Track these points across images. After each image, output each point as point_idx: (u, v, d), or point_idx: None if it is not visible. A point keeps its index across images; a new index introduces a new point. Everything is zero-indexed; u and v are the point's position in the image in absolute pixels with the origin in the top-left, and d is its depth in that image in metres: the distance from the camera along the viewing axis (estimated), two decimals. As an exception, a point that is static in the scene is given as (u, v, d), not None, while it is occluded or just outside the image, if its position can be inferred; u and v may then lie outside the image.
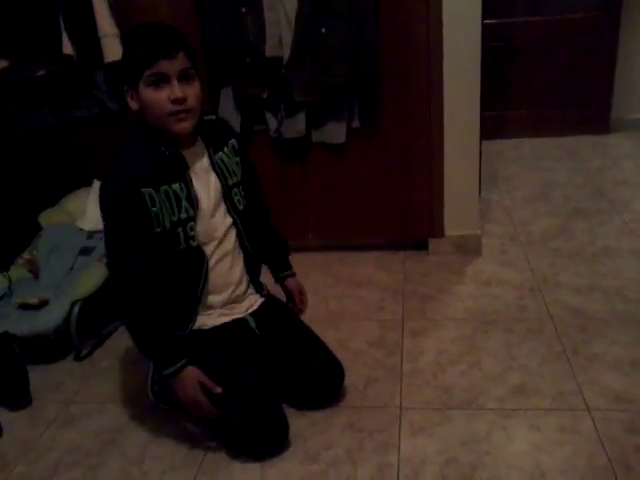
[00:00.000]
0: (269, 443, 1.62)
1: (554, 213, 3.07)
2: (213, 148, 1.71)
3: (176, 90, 1.51)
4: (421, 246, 2.73)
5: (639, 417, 1.66)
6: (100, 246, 2.31)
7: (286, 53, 2.36)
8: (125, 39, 1.64)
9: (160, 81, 1.51)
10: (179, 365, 1.55)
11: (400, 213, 2.69)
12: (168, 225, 1.59)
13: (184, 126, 1.57)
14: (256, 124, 2.61)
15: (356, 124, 2.54)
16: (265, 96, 2.49)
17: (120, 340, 2.24)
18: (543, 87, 4.27)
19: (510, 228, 2.93)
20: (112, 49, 2.43)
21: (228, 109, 2.55)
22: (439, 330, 2.14)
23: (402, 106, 2.54)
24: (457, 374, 1.90)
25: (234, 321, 1.77)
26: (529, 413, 1.71)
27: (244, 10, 2.34)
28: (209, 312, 1.74)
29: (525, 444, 1.60)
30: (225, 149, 1.75)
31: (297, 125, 2.52)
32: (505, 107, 4.28)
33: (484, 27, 2.42)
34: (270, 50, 2.38)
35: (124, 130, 2.69)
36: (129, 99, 1.58)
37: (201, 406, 1.57)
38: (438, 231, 2.68)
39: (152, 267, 1.59)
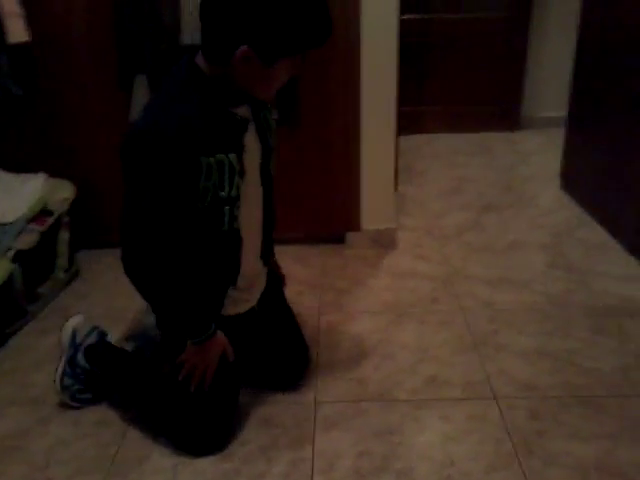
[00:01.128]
0: (211, 447, 1.60)
1: (467, 207, 3.16)
2: (257, 105, 1.50)
3: (301, 67, 1.37)
4: (339, 240, 2.75)
5: (541, 404, 1.74)
6: (4, 239, 2.18)
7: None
8: (294, 4, 1.28)
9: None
10: (211, 330, 1.54)
11: (318, 207, 2.70)
12: (214, 201, 1.41)
13: (273, 96, 1.41)
14: (171, 114, 2.54)
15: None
16: (180, 85, 2.42)
17: (24, 339, 2.13)
18: (458, 84, 4.38)
19: (425, 222, 3.00)
20: (16, 29, 2.30)
21: (142, 98, 2.46)
22: (354, 323, 2.16)
23: (320, 100, 2.54)
24: (371, 367, 1.92)
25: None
26: (440, 403, 1.75)
27: (159, -4, 2.27)
28: (231, 295, 1.64)
29: (436, 434, 1.64)
30: (268, 105, 1.56)
31: (213, 116, 2.47)
32: (421, 103, 4.36)
33: (402, 22, 2.45)
34: (186, 38, 2.32)
35: (29, 116, 2.57)
36: (243, 61, 1.29)
37: (209, 372, 1.57)
38: (355, 225, 2.71)
39: (188, 244, 1.45)
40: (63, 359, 1.75)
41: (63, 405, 1.77)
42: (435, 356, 1.96)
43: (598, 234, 2.80)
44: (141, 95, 2.47)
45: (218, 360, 1.59)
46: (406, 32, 2.70)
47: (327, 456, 1.58)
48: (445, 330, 2.10)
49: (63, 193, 2.46)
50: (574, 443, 1.59)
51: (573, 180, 3.22)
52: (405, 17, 2.51)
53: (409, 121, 4.01)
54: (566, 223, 2.92)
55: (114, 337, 2.00)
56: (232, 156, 1.41)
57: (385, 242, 2.72)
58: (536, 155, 3.96)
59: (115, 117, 2.56)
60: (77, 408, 1.76)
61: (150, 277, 1.44)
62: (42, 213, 2.34)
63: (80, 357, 1.77)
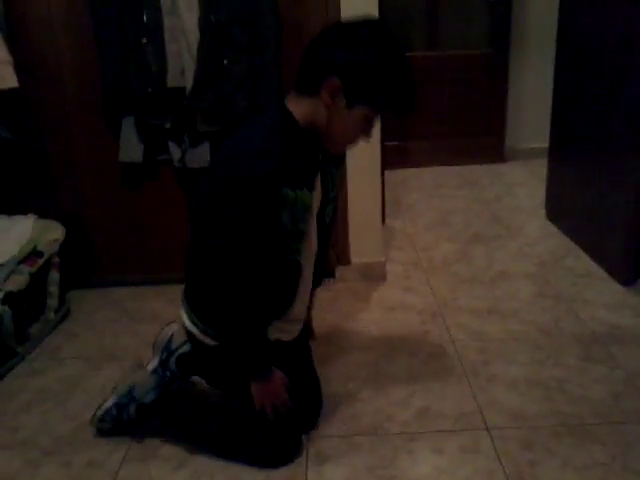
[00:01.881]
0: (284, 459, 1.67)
1: (454, 239, 3.19)
2: (325, 157, 1.58)
3: (373, 132, 1.50)
4: (329, 274, 2.77)
5: (532, 433, 1.74)
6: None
7: (189, 83, 2.35)
8: (395, 60, 1.42)
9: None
10: (270, 369, 1.60)
11: (307, 241, 2.72)
12: (286, 232, 1.49)
13: (344, 150, 1.54)
14: (160, 154, 2.57)
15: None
16: (168, 126, 2.46)
17: (14, 380, 2.12)
18: (441, 118, 4.46)
19: (413, 254, 3.02)
20: (4, 75, 2.34)
21: (130, 138, 2.50)
22: (345, 357, 2.17)
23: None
24: (363, 400, 1.93)
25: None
26: (433, 435, 1.75)
27: (145, 41, 2.31)
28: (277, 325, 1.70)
29: (429, 467, 1.64)
30: (335, 160, 1.65)
31: (202, 155, 2.50)
32: (406, 137, 4.43)
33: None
34: (172, 80, 2.36)
35: (18, 159, 2.59)
36: (330, 91, 1.38)
37: (282, 401, 1.63)
38: (344, 259, 2.73)
39: (261, 271, 1.50)
40: (152, 365, 1.80)
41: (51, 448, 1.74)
42: (426, 388, 1.96)
43: (584, 262, 2.83)
44: (129, 136, 2.51)
45: (284, 388, 1.65)
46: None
47: (320, 491, 1.57)
48: (436, 362, 2.11)
49: (53, 234, 2.47)
50: (567, 472, 1.59)
51: (558, 210, 3.27)
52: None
53: (395, 155, 4.07)
54: (552, 252, 2.95)
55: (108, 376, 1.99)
56: (307, 194, 1.49)
57: (374, 275, 2.74)
58: (521, 186, 4.02)
59: (103, 158, 2.59)
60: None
61: (224, 309, 1.51)
62: (32, 254, 2.34)
63: (172, 361, 1.79)
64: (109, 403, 1.75)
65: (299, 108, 1.46)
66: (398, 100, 1.46)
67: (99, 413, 1.76)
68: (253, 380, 1.62)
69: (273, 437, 1.66)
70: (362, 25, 1.41)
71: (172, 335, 1.81)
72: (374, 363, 2.12)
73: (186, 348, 1.78)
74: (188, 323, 1.68)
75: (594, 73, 2.75)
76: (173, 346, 1.78)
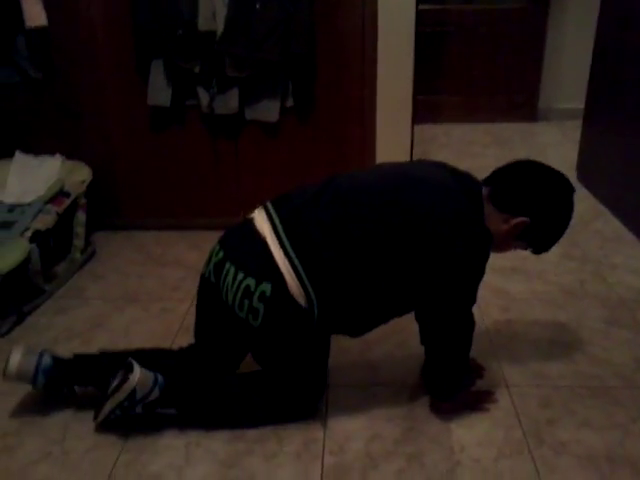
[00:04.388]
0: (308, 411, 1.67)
1: (481, 197, 3.14)
2: None
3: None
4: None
5: (552, 392, 1.74)
6: (22, 220, 2.21)
7: (219, 28, 2.31)
8: (568, 224, 1.63)
9: None
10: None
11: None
12: None
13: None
14: (188, 99, 2.55)
15: (290, 103, 2.52)
16: (197, 70, 2.43)
17: (41, 317, 2.16)
18: (475, 74, 4.36)
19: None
20: (34, 13, 2.32)
21: (159, 82, 2.49)
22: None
23: (336, 88, 2.54)
24: (383, 353, 1.94)
25: None
26: (451, 390, 1.76)
27: (177, -19, 2.27)
28: None
29: (446, 419, 1.65)
30: None
31: (230, 101, 2.48)
32: (438, 92, 4.34)
33: (418, 13, 2.43)
34: (203, 24, 2.32)
35: (46, 99, 2.59)
36: (518, 226, 1.56)
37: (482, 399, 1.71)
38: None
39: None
40: (113, 404, 1.56)
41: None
42: (447, 344, 1.96)
43: (614, 226, 2.78)
44: (158, 80, 2.48)
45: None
46: (423, 22, 2.68)
47: (338, 438, 1.59)
48: (458, 318, 2.10)
49: (80, 175, 2.49)
50: (585, 432, 1.59)
51: (590, 172, 3.19)
52: (422, 7, 2.49)
53: (425, 110, 3.99)
54: (582, 215, 2.90)
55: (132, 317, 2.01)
56: None
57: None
58: (553, 147, 3.94)
59: (132, 101, 2.57)
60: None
61: (460, 340, 1.61)
62: (59, 195, 2.36)
63: (138, 409, 1.58)
64: (108, 408, 1.57)
65: (488, 210, 1.58)
66: (552, 245, 1.65)
67: (100, 418, 1.60)
68: (453, 397, 1.66)
69: (293, 398, 1.64)
70: (563, 184, 1.60)
71: (135, 389, 1.53)
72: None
73: (155, 395, 1.57)
74: (293, 281, 1.50)
75: None
76: (138, 396, 1.54)
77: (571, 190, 1.60)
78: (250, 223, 1.60)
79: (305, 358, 1.61)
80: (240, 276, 1.51)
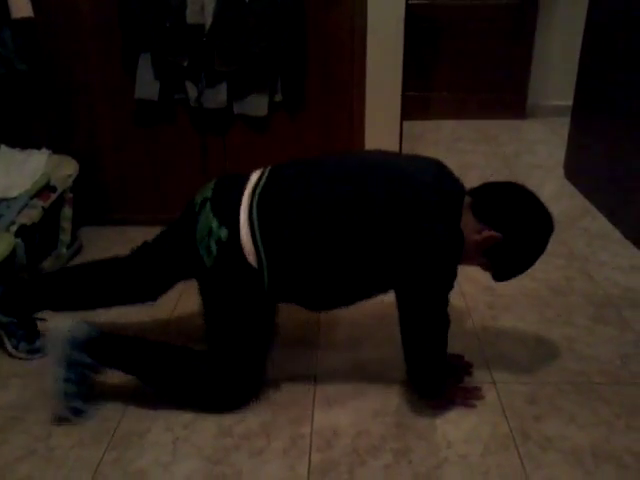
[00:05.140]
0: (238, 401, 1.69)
1: (470, 194, 3.14)
2: None
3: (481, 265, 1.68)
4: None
5: (538, 389, 1.75)
6: (7, 214, 2.19)
7: (208, 21, 2.30)
8: (540, 254, 1.63)
9: None
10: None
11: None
12: None
13: None
14: (176, 92, 2.53)
15: (279, 97, 2.51)
16: (185, 64, 2.42)
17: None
18: (464, 70, 4.36)
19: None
20: (19, 4, 2.29)
21: (146, 76, 2.47)
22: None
23: (325, 83, 2.53)
24: (371, 347, 1.94)
25: None
26: (439, 386, 1.76)
27: (165, -27, 2.25)
28: None
29: (433, 416, 1.65)
30: None
31: (218, 95, 2.47)
32: (427, 88, 4.34)
33: (408, 7, 2.43)
34: (192, 17, 2.31)
35: (33, 92, 2.56)
36: (489, 239, 1.55)
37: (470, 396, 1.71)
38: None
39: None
40: (60, 366, 1.60)
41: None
42: (435, 340, 1.97)
43: (601, 224, 2.80)
44: (145, 73, 2.46)
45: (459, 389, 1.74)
46: (413, 17, 2.68)
47: (325, 434, 1.59)
48: (445, 314, 2.10)
49: (66, 169, 2.47)
50: (570, 428, 1.60)
51: (577, 169, 3.21)
52: (412, 2, 2.49)
53: (414, 107, 3.99)
54: (569, 212, 2.92)
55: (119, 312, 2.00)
56: None
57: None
58: (541, 144, 3.95)
59: (120, 94, 2.55)
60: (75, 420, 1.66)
61: (435, 340, 1.62)
62: (45, 189, 2.34)
63: (78, 355, 1.62)
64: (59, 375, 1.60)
65: (465, 217, 1.58)
66: (511, 276, 1.67)
67: (59, 391, 1.60)
68: (438, 394, 1.69)
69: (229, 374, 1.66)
70: (547, 219, 1.59)
71: (65, 334, 1.60)
72: (382, 313, 2.11)
73: (84, 334, 1.62)
74: (246, 236, 1.54)
75: (629, 28, 2.65)
76: (71, 341, 1.60)
77: (551, 227, 1.59)
78: (246, 176, 1.66)
79: (244, 327, 1.62)
80: (211, 214, 1.59)
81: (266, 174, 1.64)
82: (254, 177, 1.65)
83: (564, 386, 1.76)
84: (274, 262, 1.54)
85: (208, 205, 1.61)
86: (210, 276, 1.60)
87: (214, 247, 1.55)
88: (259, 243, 1.53)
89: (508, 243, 1.55)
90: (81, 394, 1.64)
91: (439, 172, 1.65)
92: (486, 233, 1.54)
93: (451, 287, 1.57)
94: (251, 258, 1.53)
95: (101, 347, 1.66)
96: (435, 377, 1.66)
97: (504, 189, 1.63)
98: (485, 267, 1.66)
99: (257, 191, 1.58)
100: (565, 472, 1.47)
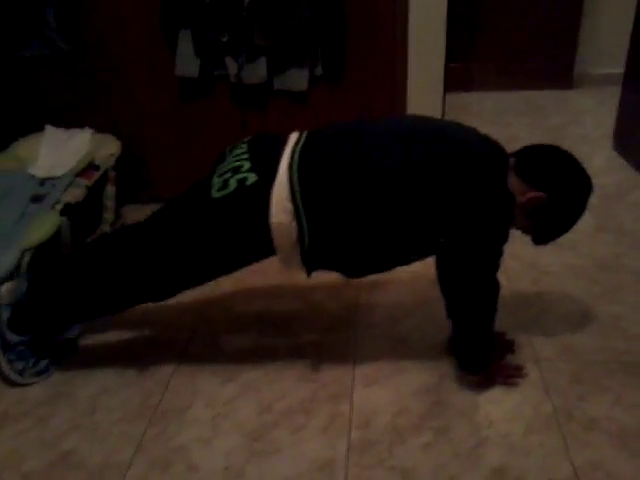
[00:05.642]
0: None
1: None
2: None
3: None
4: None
5: (584, 368, 1.71)
6: (53, 193, 2.23)
7: (247, -6, 2.27)
8: (583, 184, 1.59)
9: None
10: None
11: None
12: None
13: None
14: (216, 69, 2.53)
15: (319, 72, 2.48)
16: (225, 39, 2.40)
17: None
18: (509, 39, 4.22)
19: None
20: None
21: (187, 53, 2.46)
22: (393, 284, 2.14)
23: (366, 56, 2.48)
24: (411, 326, 1.92)
25: None
26: (480, 364, 1.74)
27: (202, -52, 2.23)
28: None
29: (474, 394, 1.64)
30: None
31: (258, 70, 2.45)
32: (470, 59, 4.23)
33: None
34: (231, -8, 2.29)
35: (76, 72, 2.59)
36: (534, 200, 1.53)
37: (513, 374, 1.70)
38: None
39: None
40: None
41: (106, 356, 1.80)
42: (476, 317, 1.94)
43: (652, 197, 2.70)
44: (185, 50, 2.46)
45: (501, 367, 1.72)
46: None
47: (365, 412, 1.59)
48: (487, 292, 2.07)
49: (109, 148, 2.49)
50: (616, 409, 1.57)
51: (627, 141, 3.09)
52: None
53: (457, 78, 3.90)
54: (618, 186, 2.82)
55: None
56: None
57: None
58: (589, 114, 3.81)
59: (161, 72, 2.56)
60: (44, 378, 1.76)
61: (484, 306, 1.59)
62: (89, 168, 2.37)
63: (9, 335, 1.67)
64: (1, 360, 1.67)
65: (511, 180, 1.56)
66: (551, 238, 1.65)
67: (11, 374, 1.69)
68: (483, 367, 1.66)
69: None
70: (587, 179, 1.58)
71: None
72: (421, 290, 2.10)
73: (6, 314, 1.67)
74: (283, 193, 1.48)
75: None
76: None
77: (591, 188, 1.58)
78: (285, 136, 1.63)
79: (203, 254, 1.57)
80: (245, 155, 1.55)
81: (305, 134, 1.61)
82: (293, 137, 1.61)
83: (610, 365, 1.72)
84: (316, 222, 1.49)
85: (244, 146, 1.58)
86: (208, 206, 1.54)
87: (233, 184, 1.49)
88: (299, 203, 1.46)
89: (551, 203, 1.53)
90: (36, 361, 1.71)
91: (482, 136, 1.63)
92: (531, 194, 1.52)
93: (502, 252, 1.54)
94: (283, 217, 1.47)
95: (23, 314, 1.68)
96: (483, 349, 1.63)
97: (545, 150, 1.61)
98: (526, 230, 1.63)
99: (297, 150, 1.53)
100: (609, 454, 1.44)
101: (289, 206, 1.47)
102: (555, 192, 1.53)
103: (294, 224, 1.48)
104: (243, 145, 1.60)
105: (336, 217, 1.50)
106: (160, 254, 1.58)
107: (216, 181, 1.54)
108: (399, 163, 1.49)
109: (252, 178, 1.49)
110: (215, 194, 1.52)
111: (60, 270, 1.72)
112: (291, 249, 1.52)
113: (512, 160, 1.58)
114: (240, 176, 1.50)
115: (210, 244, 1.55)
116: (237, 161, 1.54)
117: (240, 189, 1.49)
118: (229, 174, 1.52)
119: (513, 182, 1.54)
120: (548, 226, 1.62)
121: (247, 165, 1.51)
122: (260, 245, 1.54)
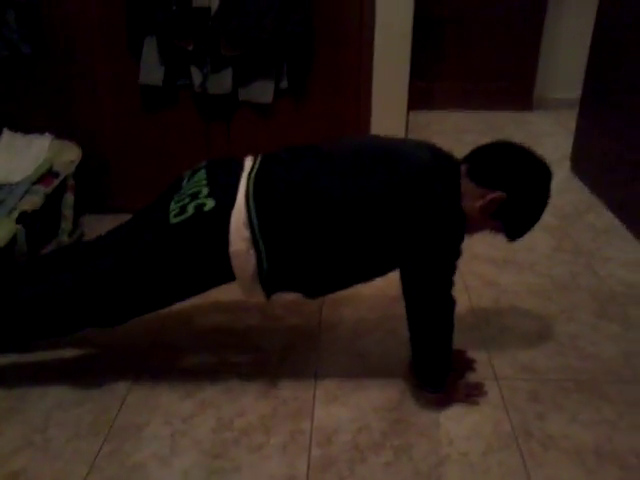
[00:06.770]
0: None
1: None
2: None
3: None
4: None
5: (541, 386, 1.74)
6: (9, 199, 2.17)
7: (214, 4, 2.26)
8: (545, 204, 1.61)
9: None
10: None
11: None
12: None
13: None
14: (180, 78, 2.50)
15: (284, 85, 2.48)
16: (191, 48, 2.38)
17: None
18: (471, 60, 4.31)
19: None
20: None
21: (151, 60, 2.43)
22: (356, 300, 2.14)
23: (332, 71, 2.50)
24: (373, 342, 1.92)
25: None
26: (441, 382, 1.75)
27: (171, -44, 2.22)
28: None
29: (435, 412, 1.64)
30: None
31: (223, 81, 2.44)
32: (433, 78, 4.29)
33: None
34: (198, 0, 2.27)
35: (37, 75, 2.53)
36: (494, 200, 1.53)
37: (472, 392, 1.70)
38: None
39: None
40: None
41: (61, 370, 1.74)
42: (437, 335, 1.95)
43: (607, 219, 2.77)
44: (150, 58, 2.43)
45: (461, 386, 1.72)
46: (421, 6, 2.64)
47: (326, 429, 1.58)
48: (448, 309, 2.09)
49: (69, 155, 2.44)
50: (573, 427, 1.59)
51: (584, 163, 3.18)
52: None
53: (419, 96, 3.96)
54: (575, 206, 2.89)
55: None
56: None
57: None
58: (547, 136, 3.91)
59: (124, 79, 2.52)
60: None
61: (448, 330, 1.62)
62: (48, 174, 2.32)
63: None
64: None
65: (465, 184, 1.57)
66: (525, 231, 1.62)
67: None
68: (441, 384, 1.65)
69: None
70: (543, 165, 1.58)
71: None
72: (384, 306, 2.10)
73: None
74: (240, 220, 1.49)
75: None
76: None
77: (549, 173, 1.58)
78: (240, 161, 1.63)
79: (158, 281, 1.56)
80: (204, 181, 1.56)
81: (259, 159, 1.62)
82: (248, 163, 1.61)
83: (567, 383, 1.75)
84: (273, 248, 1.51)
85: (203, 172, 1.59)
86: (164, 232, 1.53)
87: (191, 210, 1.50)
88: (256, 230, 1.48)
89: (514, 199, 1.54)
90: None
91: (433, 149, 1.66)
92: (490, 195, 1.53)
93: (455, 267, 1.55)
94: (241, 244, 1.48)
95: None
96: (441, 363, 1.64)
97: (494, 148, 1.62)
98: (497, 229, 1.64)
99: (252, 176, 1.54)
100: (567, 471, 1.46)
101: (246, 233, 1.48)
102: (513, 187, 1.53)
103: (252, 251, 1.50)
104: (201, 170, 1.61)
105: (292, 243, 1.52)
106: (103, 280, 1.56)
107: (173, 207, 1.54)
108: (342, 194, 1.51)
109: (210, 204, 1.50)
110: (173, 219, 1.52)
111: (6, 284, 1.67)
112: (250, 275, 1.53)
113: (464, 167, 1.59)
114: (198, 202, 1.51)
115: (165, 271, 1.55)
116: (196, 187, 1.55)
117: (198, 215, 1.50)
118: (187, 199, 1.53)
119: (468, 188, 1.55)
120: (518, 221, 1.61)
121: (205, 191, 1.53)
122: (218, 271, 1.55)
